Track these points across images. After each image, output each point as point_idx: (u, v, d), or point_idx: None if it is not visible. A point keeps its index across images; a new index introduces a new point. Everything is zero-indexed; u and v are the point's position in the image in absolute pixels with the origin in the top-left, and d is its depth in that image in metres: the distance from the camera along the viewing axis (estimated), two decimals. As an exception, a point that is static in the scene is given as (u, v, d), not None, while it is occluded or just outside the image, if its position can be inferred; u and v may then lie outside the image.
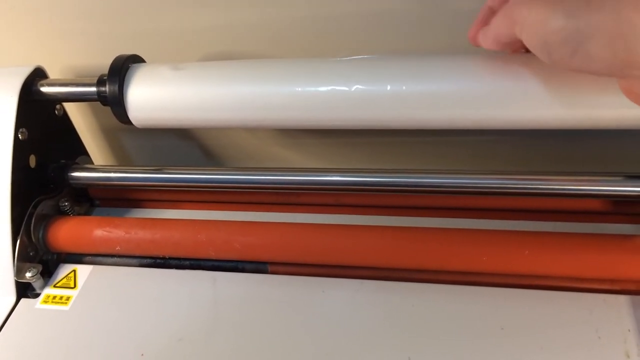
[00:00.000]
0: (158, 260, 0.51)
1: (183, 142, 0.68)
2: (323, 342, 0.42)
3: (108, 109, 0.47)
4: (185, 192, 0.57)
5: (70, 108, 0.58)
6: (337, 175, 0.48)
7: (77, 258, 0.52)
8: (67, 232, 0.51)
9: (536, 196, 0.48)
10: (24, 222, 0.49)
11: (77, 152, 0.58)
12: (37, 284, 0.49)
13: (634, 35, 0.25)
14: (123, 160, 0.73)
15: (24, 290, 0.49)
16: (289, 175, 0.49)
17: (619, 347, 0.39)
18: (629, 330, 0.40)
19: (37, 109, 0.51)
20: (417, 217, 0.52)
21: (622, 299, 0.42)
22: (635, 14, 0.25)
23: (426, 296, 0.44)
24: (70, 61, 0.60)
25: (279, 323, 0.44)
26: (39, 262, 0.50)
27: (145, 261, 0.51)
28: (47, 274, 0.51)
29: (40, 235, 0.51)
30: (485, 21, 0.37)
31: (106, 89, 0.46)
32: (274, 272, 0.49)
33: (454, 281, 0.45)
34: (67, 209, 0.54)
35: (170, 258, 0.51)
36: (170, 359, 0.42)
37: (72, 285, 0.49)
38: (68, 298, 0.48)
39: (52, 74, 0.52)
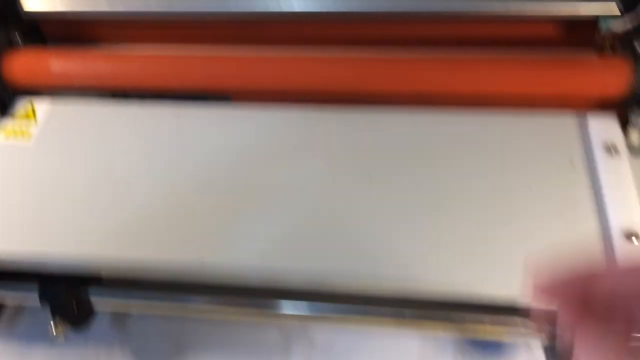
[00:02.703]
0: (118, 95, 0.50)
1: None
2: (288, 167, 0.43)
3: None
4: (145, 27, 0.54)
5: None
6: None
7: (35, 92, 0.50)
8: (22, 65, 0.49)
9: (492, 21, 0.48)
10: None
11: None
12: (-7, 119, 0.48)
13: None
14: None
15: (-19, 126, 0.48)
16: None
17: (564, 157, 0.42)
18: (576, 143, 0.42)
19: None
20: (381, 47, 0.51)
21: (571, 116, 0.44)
22: None
23: (387, 120, 0.45)
24: None
25: (243, 153, 0.45)
26: (-5, 97, 0.49)
27: (105, 96, 0.50)
28: (3, 110, 0.49)
29: (-7, 69, 0.49)
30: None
31: None
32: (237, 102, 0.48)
33: (413, 101, 0.46)
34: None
35: (131, 94, 0.50)
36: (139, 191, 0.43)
37: (32, 117, 0.48)
38: (29, 133, 0.47)
39: None
